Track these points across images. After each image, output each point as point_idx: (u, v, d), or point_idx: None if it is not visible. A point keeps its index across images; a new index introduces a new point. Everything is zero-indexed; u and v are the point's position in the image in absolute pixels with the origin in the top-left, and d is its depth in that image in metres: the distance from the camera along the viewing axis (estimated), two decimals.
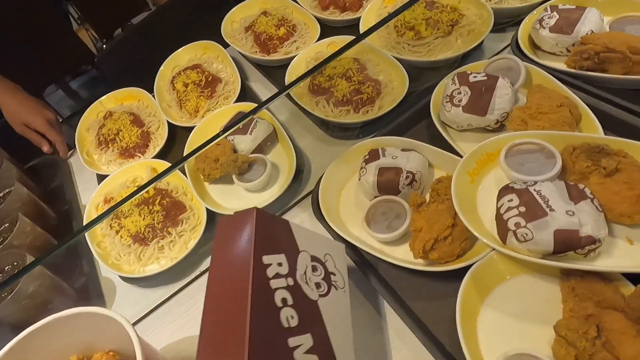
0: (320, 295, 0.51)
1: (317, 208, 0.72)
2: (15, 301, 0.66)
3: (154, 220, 0.80)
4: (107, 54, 1.29)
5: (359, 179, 0.71)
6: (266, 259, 0.46)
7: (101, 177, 0.96)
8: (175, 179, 0.88)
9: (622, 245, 0.52)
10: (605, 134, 0.64)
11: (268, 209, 0.68)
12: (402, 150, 0.71)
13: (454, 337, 0.52)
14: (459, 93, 0.72)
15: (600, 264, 0.51)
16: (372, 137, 0.77)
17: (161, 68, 1.12)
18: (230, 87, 1.04)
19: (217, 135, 0.69)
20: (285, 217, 0.80)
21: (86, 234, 0.81)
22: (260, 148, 0.87)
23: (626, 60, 0.68)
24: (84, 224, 0.85)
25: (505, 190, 0.56)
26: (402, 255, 0.64)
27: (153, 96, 1.08)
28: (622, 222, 0.53)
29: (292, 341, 0.43)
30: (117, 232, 0.81)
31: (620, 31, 0.75)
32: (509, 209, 0.53)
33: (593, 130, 0.65)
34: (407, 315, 0.58)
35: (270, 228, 0.49)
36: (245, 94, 1.01)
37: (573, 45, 0.76)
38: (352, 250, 0.66)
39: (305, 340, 0.45)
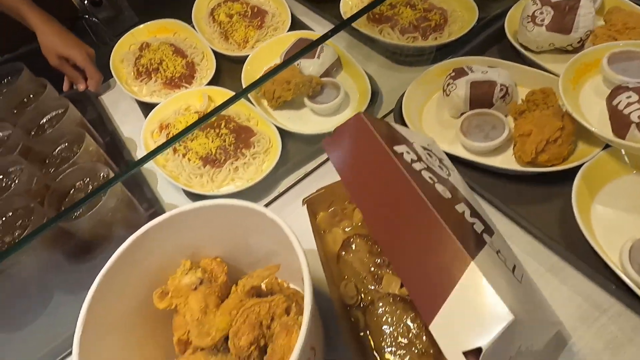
0: (447, 176, 0.50)
1: (403, 124, 0.71)
2: (100, 213, 0.62)
3: (224, 142, 0.77)
4: None
5: (447, 95, 0.71)
6: (397, 148, 0.45)
7: (145, 108, 0.90)
8: (235, 106, 0.84)
9: None
10: None
11: None
12: (490, 66, 0.72)
13: (568, 232, 0.54)
14: (541, 13, 0.73)
15: None
16: (460, 57, 0.77)
17: (195, 3, 1.06)
18: (279, 18, 1.00)
19: (293, 59, 0.66)
20: None
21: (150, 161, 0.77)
22: (328, 73, 0.85)
23: None
24: (145, 151, 0.80)
25: (619, 90, 0.57)
26: (502, 164, 0.65)
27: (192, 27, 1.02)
28: None
29: (459, 207, 0.43)
30: (184, 155, 0.77)
31: None
32: (629, 104, 0.55)
33: None
34: (515, 217, 0.60)
35: (380, 126, 0.48)
36: (295, 26, 0.98)
37: None
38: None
39: (464, 208, 0.44)
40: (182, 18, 1.04)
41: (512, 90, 0.69)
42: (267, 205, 0.74)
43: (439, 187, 0.43)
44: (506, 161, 0.65)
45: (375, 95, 0.81)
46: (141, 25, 1.05)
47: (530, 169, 0.62)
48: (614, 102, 0.57)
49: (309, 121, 0.82)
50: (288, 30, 0.96)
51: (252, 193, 0.74)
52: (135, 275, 0.51)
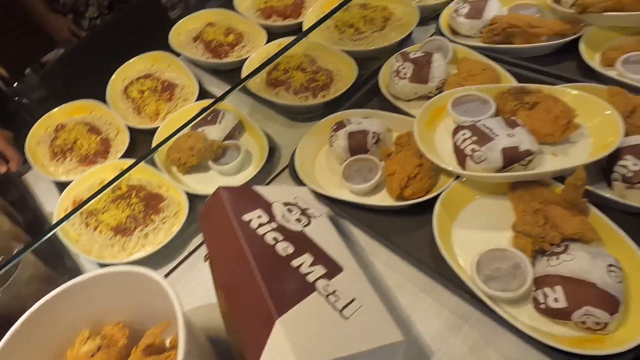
0: (304, 226, 0.58)
1: (296, 176, 0.79)
2: (13, 287, 0.64)
3: (134, 210, 0.82)
4: (49, 71, 1.26)
5: (331, 146, 0.80)
6: (246, 216, 0.55)
7: (62, 187, 0.94)
8: (145, 175, 0.90)
9: (549, 158, 0.67)
10: None
11: None
12: (364, 117, 0.82)
13: (435, 255, 0.62)
14: (404, 68, 0.86)
15: (537, 172, 0.64)
16: (339, 112, 0.87)
17: (112, 78, 1.13)
18: (187, 90, 1.08)
19: (187, 123, 0.75)
20: None
21: (61, 234, 0.80)
22: (231, 136, 0.93)
23: (525, 33, 0.87)
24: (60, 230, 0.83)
25: (458, 128, 0.69)
26: (379, 202, 0.73)
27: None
28: (547, 141, 0.67)
29: (295, 262, 0.51)
30: (95, 227, 0.81)
31: (516, 13, 0.95)
32: (464, 140, 0.66)
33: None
34: (393, 247, 0.68)
35: (239, 195, 0.58)
36: (204, 96, 1.07)
37: (483, 27, 0.93)
38: (336, 205, 0.74)
39: (305, 259, 0.52)
40: (98, 97, 1.11)
41: (383, 136, 0.79)
42: (178, 264, 0.79)
43: (281, 246, 0.52)
44: (382, 199, 0.74)
45: (274, 152, 0.89)
46: (57, 108, 1.11)
47: (399, 203, 0.70)
48: (454, 139, 0.68)
49: (216, 182, 0.88)
50: (196, 100, 1.04)
51: (163, 255, 0.79)
52: (35, 352, 0.54)
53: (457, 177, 0.69)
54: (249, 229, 0.53)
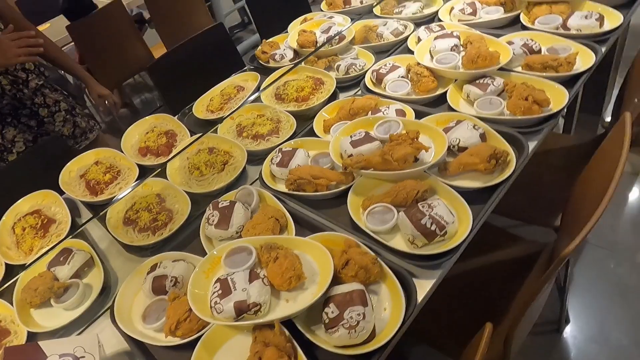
0: None
1: (112, 315, 0.96)
2: None
3: None
4: None
5: (142, 288, 0.98)
6: None
7: None
8: (4, 310, 1.07)
9: (283, 304, 0.85)
10: (304, 231, 1.00)
11: (79, 321, 0.98)
12: (174, 261, 1.01)
13: None
14: (213, 216, 1.06)
15: (265, 318, 0.82)
16: (158, 255, 1.06)
17: (6, 213, 1.33)
18: (63, 226, 1.28)
19: (30, 264, 0.93)
20: (96, 325, 1.02)
21: None
22: (78, 274, 1.11)
23: (312, 183, 1.08)
24: None
25: (215, 282, 0.87)
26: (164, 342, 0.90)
27: None
28: (281, 289, 0.86)
29: None
30: None
31: (316, 163, 1.17)
32: (213, 292, 0.84)
33: (291, 231, 1.01)
34: None
35: (20, 354, 0.74)
36: (75, 230, 1.27)
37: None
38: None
39: None
40: None
41: (182, 279, 0.97)
42: None
43: None
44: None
45: (107, 289, 1.07)
46: None
47: (169, 343, 0.87)
48: (210, 290, 0.86)
49: (61, 315, 1.05)
50: (69, 236, 1.24)
51: None
52: None
53: None
54: None
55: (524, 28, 1.43)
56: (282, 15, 2.04)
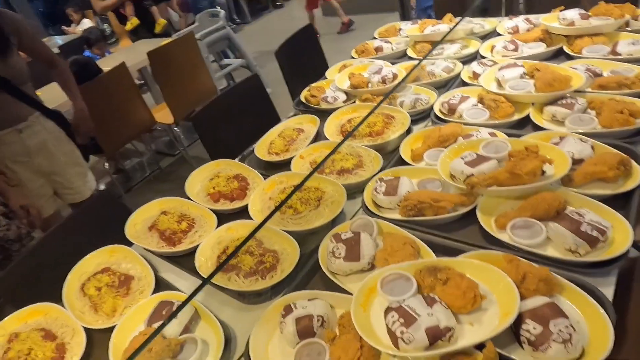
0: None
1: None
2: None
3: None
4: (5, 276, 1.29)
5: (282, 332, 0.88)
6: None
7: None
8: None
9: (468, 328, 0.78)
10: (435, 255, 0.95)
11: None
12: (309, 300, 0.92)
13: None
14: (337, 249, 0.99)
15: (457, 347, 0.74)
16: (282, 295, 0.96)
17: (68, 277, 1.18)
18: (144, 281, 1.15)
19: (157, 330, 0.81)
20: None
21: None
22: (187, 329, 0.98)
23: (433, 206, 1.05)
24: None
25: (387, 311, 0.79)
26: None
27: (62, 306, 1.12)
28: (461, 312, 0.79)
29: None
30: None
31: (423, 188, 1.15)
32: (394, 322, 0.76)
33: (428, 255, 0.96)
34: None
35: None
36: (160, 284, 1.14)
37: (399, 202, 1.12)
38: None
39: None
40: (54, 298, 1.14)
41: (327, 317, 0.88)
42: None
43: None
44: None
45: (229, 341, 0.95)
46: (8, 316, 1.12)
47: None
48: (386, 322, 0.78)
49: None
50: (154, 290, 1.10)
51: None
52: None
53: None
54: None
55: (570, 58, 1.54)
56: (307, 70, 2.13)
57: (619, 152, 1.03)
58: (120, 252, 1.25)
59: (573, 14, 1.60)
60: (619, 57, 1.44)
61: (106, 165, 3.23)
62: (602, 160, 1.00)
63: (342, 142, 1.34)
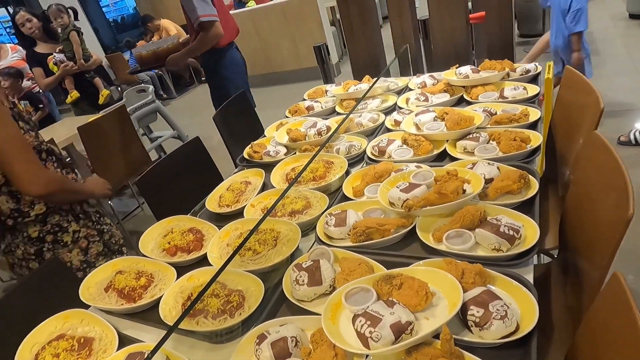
0: None
1: None
2: None
3: None
4: None
5: (258, 359, 0.92)
6: None
7: None
8: None
9: (425, 322, 0.90)
10: (387, 270, 1.07)
11: None
12: (280, 325, 0.98)
13: None
14: (300, 277, 1.08)
15: (420, 336, 0.85)
16: (258, 326, 1.01)
17: (20, 348, 1.12)
18: (106, 340, 1.13)
19: None
20: None
21: None
22: None
23: (379, 230, 1.19)
24: None
25: (355, 318, 0.89)
26: None
27: None
28: (418, 310, 0.91)
29: None
30: None
31: (368, 217, 1.29)
32: (362, 325, 0.86)
33: (380, 270, 1.08)
34: None
35: None
36: (123, 342, 1.12)
37: (349, 231, 1.24)
38: None
39: None
40: None
41: (300, 337, 0.95)
42: None
43: None
44: None
45: None
46: None
47: None
48: (355, 327, 0.88)
49: None
50: (117, 348, 1.09)
51: None
52: None
53: (367, 355, 0.86)
54: None
55: (469, 103, 1.85)
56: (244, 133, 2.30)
57: (518, 169, 1.26)
58: (75, 316, 1.21)
59: (467, 69, 1.95)
60: (507, 99, 1.77)
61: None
62: (507, 177, 1.23)
63: (291, 185, 1.47)
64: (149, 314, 1.20)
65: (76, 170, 1.81)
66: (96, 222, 1.71)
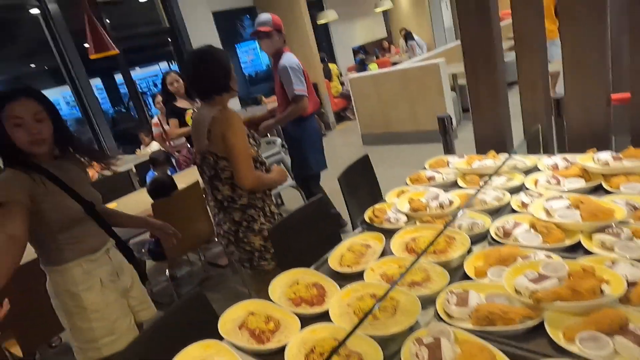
0: None
1: None
2: None
3: None
4: None
5: None
6: None
7: None
8: None
9: None
10: None
11: None
12: None
13: None
14: (420, 351, 1.12)
15: None
16: None
17: None
18: None
19: None
20: None
21: None
22: None
23: (503, 318, 1.19)
24: None
25: None
26: None
27: None
28: None
29: None
30: None
31: (491, 302, 1.29)
32: None
33: None
34: None
35: None
36: None
37: (470, 312, 1.25)
38: None
39: None
40: None
41: None
42: None
43: None
44: None
45: None
46: None
47: None
48: None
49: None
50: None
51: None
52: None
53: None
54: None
55: (608, 193, 1.75)
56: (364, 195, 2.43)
57: None
58: (214, 347, 1.39)
59: (607, 155, 1.86)
60: None
61: (167, 272, 3.47)
62: None
63: (417, 259, 1.53)
64: (273, 357, 1.33)
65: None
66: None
